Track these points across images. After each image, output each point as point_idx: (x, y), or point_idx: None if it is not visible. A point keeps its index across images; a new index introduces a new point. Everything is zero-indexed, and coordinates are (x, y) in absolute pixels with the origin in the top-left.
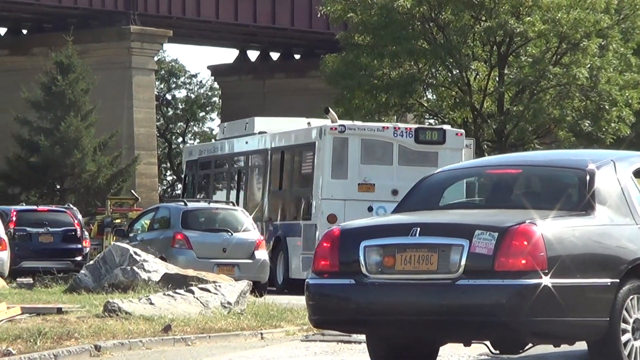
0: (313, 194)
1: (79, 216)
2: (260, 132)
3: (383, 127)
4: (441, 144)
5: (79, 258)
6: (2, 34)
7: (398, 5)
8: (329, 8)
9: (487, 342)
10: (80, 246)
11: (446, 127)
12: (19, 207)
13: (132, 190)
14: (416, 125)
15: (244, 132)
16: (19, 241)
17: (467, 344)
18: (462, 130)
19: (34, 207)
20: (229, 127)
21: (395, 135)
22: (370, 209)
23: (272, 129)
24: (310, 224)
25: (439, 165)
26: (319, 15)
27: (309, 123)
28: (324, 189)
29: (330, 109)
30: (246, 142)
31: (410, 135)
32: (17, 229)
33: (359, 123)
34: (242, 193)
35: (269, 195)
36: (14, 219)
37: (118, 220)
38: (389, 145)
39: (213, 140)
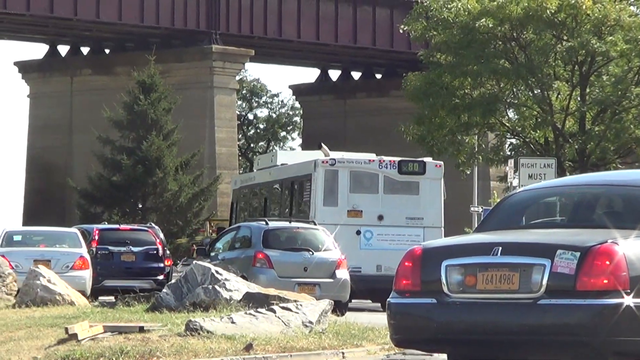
0: (310, 220)
1: (161, 235)
2: (282, 164)
3: (369, 160)
4: (422, 175)
5: (160, 277)
6: (85, 54)
7: (479, 25)
8: (410, 27)
9: None
10: (162, 265)
11: (427, 159)
12: (101, 226)
13: None
14: (399, 158)
15: (270, 164)
16: (101, 260)
17: None
18: (441, 162)
19: (116, 226)
20: (262, 159)
21: (380, 167)
22: (358, 233)
23: (290, 162)
24: None
25: (420, 194)
26: (401, 32)
27: (326, 155)
28: (317, 215)
29: (323, 145)
30: (269, 173)
31: (394, 167)
32: (99, 247)
33: (347, 156)
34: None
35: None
36: (97, 237)
37: None
38: (374, 176)
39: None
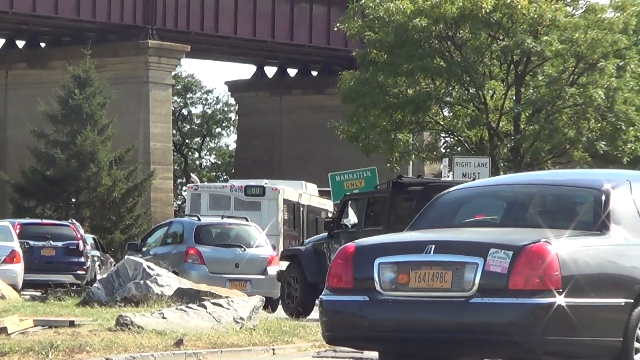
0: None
1: (82, 231)
2: None
3: (223, 186)
4: (262, 196)
5: (80, 272)
6: (21, 47)
7: (413, 25)
8: (346, 25)
9: None
10: (82, 260)
11: (266, 185)
12: (22, 220)
13: None
14: (245, 184)
15: None
16: (22, 254)
17: None
18: (277, 187)
19: (38, 221)
20: None
21: (231, 190)
22: None
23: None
24: None
25: (261, 211)
26: (335, 29)
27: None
28: None
29: (192, 174)
30: None
31: (241, 191)
32: (20, 242)
33: (207, 184)
34: None
35: None
36: (17, 231)
37: None
38: (227, 197)
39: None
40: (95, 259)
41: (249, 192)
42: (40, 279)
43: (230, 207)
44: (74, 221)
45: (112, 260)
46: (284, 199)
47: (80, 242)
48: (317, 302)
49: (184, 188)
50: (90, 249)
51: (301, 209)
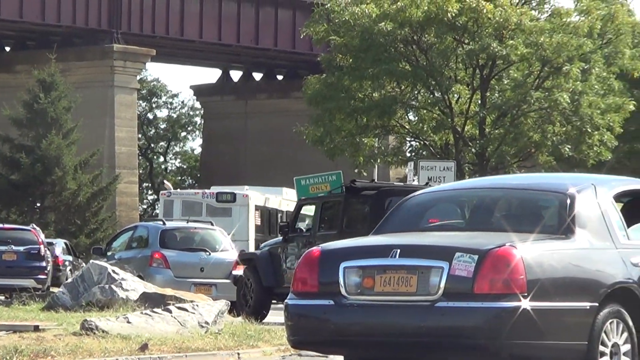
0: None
1: (42, 235)
2: None
3: (195, 193)
4: (233, 202)
5: (41, 276)
6: None
7: (379, 29)
8: (311, 30)
9: None
10: (43, 264)
11: (237, 191)
12: None
13: None
14: (217, 191)
15: None
16: None
17: None
18: (248, 193)
19: None
20: None
21: (203, 197)
22: None
23: None
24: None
25: (232, 217)
26: (301, 37)
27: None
28: None
29: (166, 181)
30: None
31: (213, 197)
32: None
33: (180, 191)
34: None
35: None
36: None
37: None
38: (199, 204)
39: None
40: (67, 263)
41: (220, 199)
42: (2, 283)
43: (202, 213)
44: (35, 226)
45: (84, 264)
46: (256, 205)
47: (42, 246)
48: (272, 305)
49: (150, 192)
50: (63, 254)
51: (278, 214)
